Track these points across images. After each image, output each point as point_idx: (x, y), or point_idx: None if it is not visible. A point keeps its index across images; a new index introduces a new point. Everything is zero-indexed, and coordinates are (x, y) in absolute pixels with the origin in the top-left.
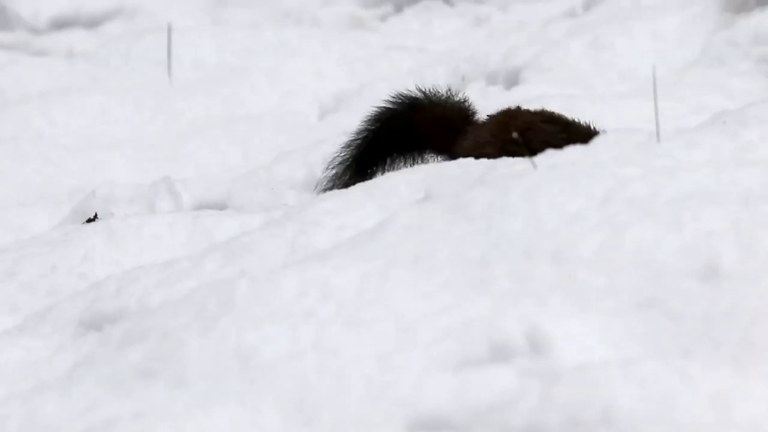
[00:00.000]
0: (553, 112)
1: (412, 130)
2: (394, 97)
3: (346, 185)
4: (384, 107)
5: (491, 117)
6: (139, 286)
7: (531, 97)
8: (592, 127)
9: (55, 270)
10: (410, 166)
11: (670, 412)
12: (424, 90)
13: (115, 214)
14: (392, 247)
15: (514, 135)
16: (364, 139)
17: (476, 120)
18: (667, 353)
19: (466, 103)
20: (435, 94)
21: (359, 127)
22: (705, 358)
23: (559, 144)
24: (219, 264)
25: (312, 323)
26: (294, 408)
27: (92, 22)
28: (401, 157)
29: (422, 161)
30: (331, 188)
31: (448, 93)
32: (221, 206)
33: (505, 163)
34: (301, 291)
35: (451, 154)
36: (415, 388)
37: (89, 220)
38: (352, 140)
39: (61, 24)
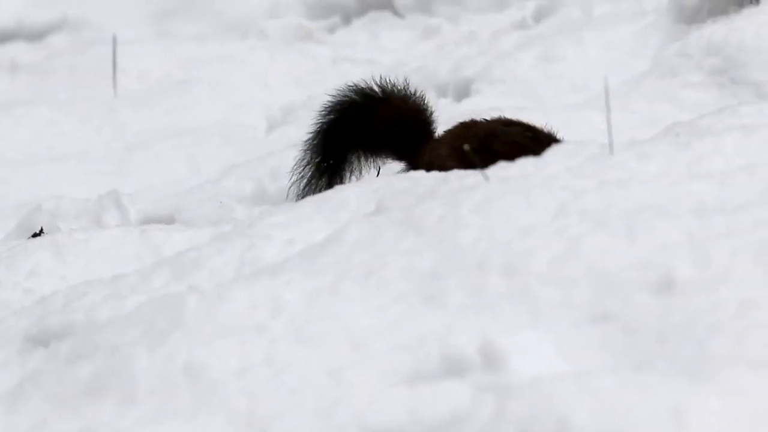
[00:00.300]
0: (511, 118)
1: (371, 125)
2: (351, 89)
3: (315, 188)
4: (341, 99)
5: (448, 131)
6: (86, 302)
7: (482, 109)
8: (552, 132)
9: (1, 285)
10: (371, 168)
11: (626, 426)
12: (381, 84)
13: (62, 229)
14: (343, 260)
15: (466, 147)
16: (321, 132)
17: (434, 121)
18: (622, 366)
19: (425, 103)
20: (393, 88)
21: (316, 121)
22: (660, 371)
23: (526, 144)
24: (167, 279)
25: (263, 338)
26: (245, 424)
27: (36, 35)
28: (361, 156)
29: (383, 164)
30: (306, 193)
31: (406, 88)
32: (169, 220)
33: (457, 175)
34: (252, 306)
35: (411, 164)
36: (368, 403)
37: (35, 235)
38: (310, 137)
39: (3, 37)
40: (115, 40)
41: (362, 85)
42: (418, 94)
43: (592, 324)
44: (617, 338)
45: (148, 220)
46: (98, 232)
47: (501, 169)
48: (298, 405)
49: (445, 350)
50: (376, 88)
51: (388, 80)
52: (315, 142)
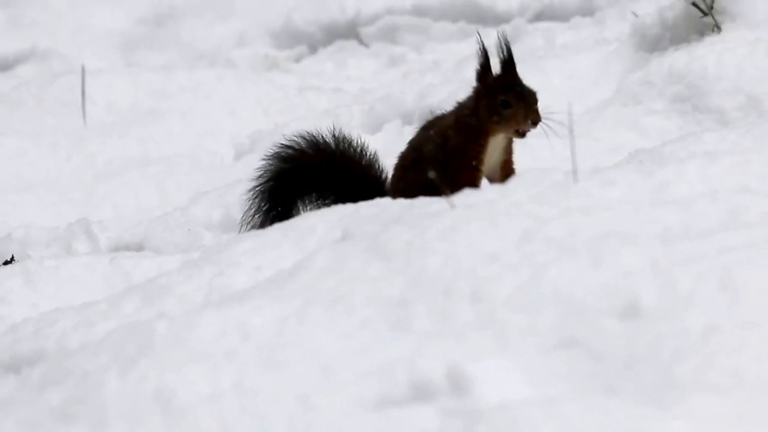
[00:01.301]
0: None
1: (321, 175)
2: (305, 138)
3: (266, 222)
4: (293, 147)
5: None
6: (57, 328)
7: None
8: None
9: None
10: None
11: None
12: (336, 135)
13: (32, 257)
14: (310, 287)
15: (431, 175)
16: (274, 177)
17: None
18: (588, 391)
19: (377, 164)
20: (344, 142)
21: (267, 164)
22: (627, 396)
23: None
24: (137, 305)
25: (232, 364)
26: None
27: (4, 65)
28: (308, 202)
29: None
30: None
31: (361, 145)
32: (138, 248)
33: (423, 202)
34: (221, 332)
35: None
36: (337, 428)
37: (6, 263)
38: (260, 180)
39: None
40: (83, 71)
41: (314, 135)
42: (369, 153)
43: (558, 350)
44: (583, 364)
45: (117, 248)
46: (68, 260)
47: (466, 195)
48: (268, 430)
49: (412, 376)
50: (329, 141)
51: (340, 133)
52: (264, 190)
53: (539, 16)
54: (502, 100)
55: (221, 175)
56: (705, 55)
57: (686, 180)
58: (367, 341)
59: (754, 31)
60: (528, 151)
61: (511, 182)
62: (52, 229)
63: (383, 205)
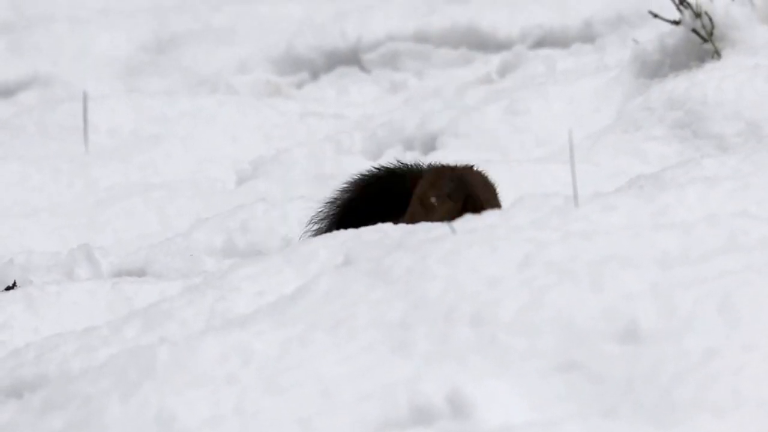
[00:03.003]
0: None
1: (400, 200)
2: (378, 168)
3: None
4: (374, 174)
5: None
6: (58, 353)
7: (448, 162)
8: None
9: None
10: None
11: None
12: (403, 163)
13: (34, 282)
14: (312, 311)
15: (432, 200)
16: (347, 203)
17: None
18: (589, 414)
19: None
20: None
21: (343, 190)
22: (627, 419)
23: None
24: (139, 330)
25: (234, 388)
26: None
27: (6, 92)
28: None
29: None
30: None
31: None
32: (140, 273)
33: (424, 227)
34: (222, 356)
35: None
36: None
37: (7, 288)
38: (335, 202)
39: None
40: (85, 97)
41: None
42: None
43: (559, 372)
44: (584, 386)
45: (119, 273)
46: (70, 285)
47: (466, 221)
48: None
49: (413, 399)
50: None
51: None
52: (335, 217)
53: (540, 43)
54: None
55: (222, 200)
56: (705, 82)
57: (686, 205)
58: (369, 364)
59: (753, 57)
60: (529, 176)
61: (512, 207)
62: (54, 254)
63: (385, 229)
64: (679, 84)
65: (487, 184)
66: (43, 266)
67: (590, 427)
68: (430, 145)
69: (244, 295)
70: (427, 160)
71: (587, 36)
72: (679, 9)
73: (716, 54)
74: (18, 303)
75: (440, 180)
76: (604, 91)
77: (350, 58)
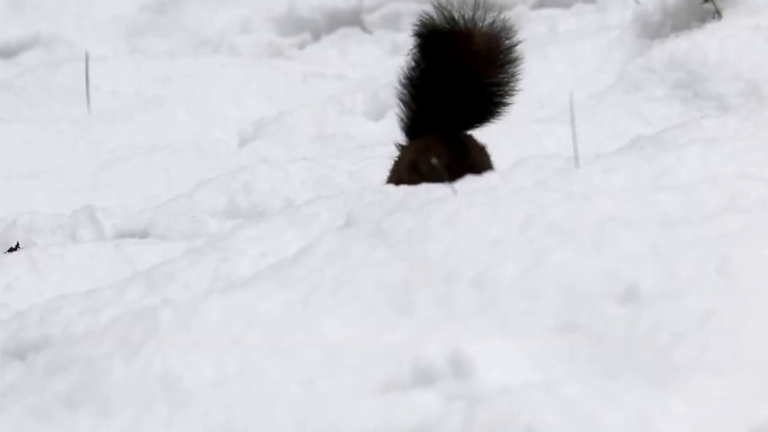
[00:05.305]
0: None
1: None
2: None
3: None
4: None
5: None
6: (62, 315)
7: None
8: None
9: None
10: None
11: None
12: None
13: (37, 244)
14: (315, 273)
15: (434, 161)
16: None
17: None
18: (589, 375)
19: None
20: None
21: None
22: (627, 379)
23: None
24: (142, 292)
25: (237, 350)
26: None
27: (9, 52)
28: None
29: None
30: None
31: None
32: (143, 234)
33: (426, 189)
34: (226, 318)
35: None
36: (341, 412)
37: (11, 250)
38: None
39: None
40: (87, 58)
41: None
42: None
43: (559, 334)
44: (584, 347)
45: (122, 235)
46: (73, 247)
47: (468, 182)
48: (272, 415)
49: (415, 360)
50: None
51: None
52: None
53: (542, 3)
54: None
55: (226, 161)
56: (706, 42)
57: (687, 166)
58: (371, 326)
59: (754, 17)
60: (531, 137)
61: (514, 168)
62: (57, 216)
63: (386, 191)
64: (680, 44)
65: (480, 147)
66: (46, 228)
67: (590, 387)
68: None
69: (246, 257)
70: None
71: None
72: None
73: (717, 14)
74: (21, 264)
75: (435, 145)
76: (606, 51)
77: (352, 19)
